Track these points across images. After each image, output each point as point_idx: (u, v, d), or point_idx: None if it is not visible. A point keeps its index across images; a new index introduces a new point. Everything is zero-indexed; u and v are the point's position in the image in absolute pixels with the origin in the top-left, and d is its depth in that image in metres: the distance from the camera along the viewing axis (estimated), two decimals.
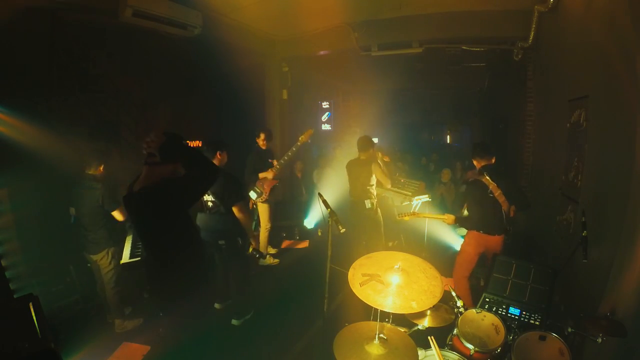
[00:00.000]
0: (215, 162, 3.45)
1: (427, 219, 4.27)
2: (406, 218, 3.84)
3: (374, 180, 4.45)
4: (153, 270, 2.27)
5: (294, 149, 4.70)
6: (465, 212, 3.52)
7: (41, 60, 3.51)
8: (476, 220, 3.38)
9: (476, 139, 10.50)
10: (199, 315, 2.26)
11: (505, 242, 3.42)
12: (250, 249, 3.54)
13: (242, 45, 5.57)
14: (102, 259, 3.43)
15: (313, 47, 6.05)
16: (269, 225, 5.02)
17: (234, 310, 3.73)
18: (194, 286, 2.24)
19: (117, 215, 3.35)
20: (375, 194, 4.51)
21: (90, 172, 3.33)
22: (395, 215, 5.40)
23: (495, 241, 3.35)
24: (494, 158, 3.43)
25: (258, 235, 4.98)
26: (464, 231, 3.93)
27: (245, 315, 3.71)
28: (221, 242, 3.41)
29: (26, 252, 3.30)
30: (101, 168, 3.37)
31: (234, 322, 3.66)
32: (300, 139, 4.70)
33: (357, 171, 4.48)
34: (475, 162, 3.51)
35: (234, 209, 3.35)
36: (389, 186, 4.69)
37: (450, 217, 3.52)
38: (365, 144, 4.41)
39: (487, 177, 3.33)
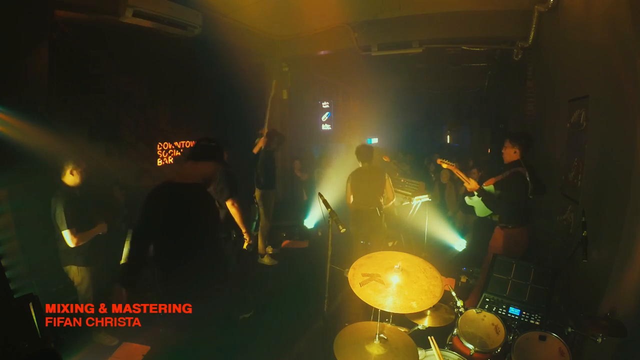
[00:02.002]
0: None
1: (456, 177, 4.06)
2: (444, 165, 3.86)
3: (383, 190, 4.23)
4: (171, 268, 2.16)
5: (269, 106, 5.11)
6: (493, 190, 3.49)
7: (41, 60, 3.51)
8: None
9: (476, 139, 10.55)
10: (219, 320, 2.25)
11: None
12: (245, 244, 3.56)
13: (242, 45, 5.57)
14: (72, 275, 3.09)
15: (313, 47, 6.05)
16: (267, 225, 5.02)
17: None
18: (217, 287, 2.23)
19: (68, 236, 2.89)
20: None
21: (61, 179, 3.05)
22: (395, 215, 5.43)
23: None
24: None
25: (257, 236, 4.98)
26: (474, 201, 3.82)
27: (244, 313, 3.71)
28: None
29: (26, 252, 3.29)
30: (67, 174, 3.03)
31: None
32: (271, 94, 5.11)
33: (367, 180, 4.20)
34: (521, 150, 3.30)
35: (227, 204, 3.42)
36: (392, 202, 4.44)
37: (473, 183, 3.46)
38: (366, 153, 4.21)
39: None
